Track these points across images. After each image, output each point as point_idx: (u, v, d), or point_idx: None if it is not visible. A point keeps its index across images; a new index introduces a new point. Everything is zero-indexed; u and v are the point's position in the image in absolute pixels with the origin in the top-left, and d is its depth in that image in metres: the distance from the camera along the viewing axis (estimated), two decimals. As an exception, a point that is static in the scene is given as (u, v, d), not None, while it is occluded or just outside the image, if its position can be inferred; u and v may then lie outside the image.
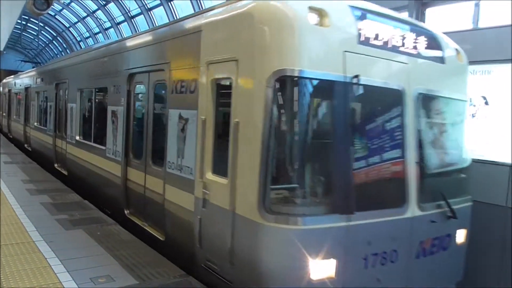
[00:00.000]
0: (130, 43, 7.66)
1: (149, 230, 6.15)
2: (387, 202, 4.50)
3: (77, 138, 9.79)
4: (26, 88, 17.06)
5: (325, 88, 4.13)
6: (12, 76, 24.67)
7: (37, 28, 40.10)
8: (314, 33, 3.97)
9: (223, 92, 4.65)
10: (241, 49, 4.25)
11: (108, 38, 34.55)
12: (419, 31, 4.82)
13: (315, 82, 4.05)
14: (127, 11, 30.03)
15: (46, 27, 45.95)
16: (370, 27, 4.33)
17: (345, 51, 4.09)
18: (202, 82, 4.81)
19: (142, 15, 28.41)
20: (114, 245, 5.75)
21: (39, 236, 5.94)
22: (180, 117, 5.28)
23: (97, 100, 9.15)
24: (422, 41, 4.80)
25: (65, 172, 10.71)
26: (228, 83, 4.44)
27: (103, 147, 7.95)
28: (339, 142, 4.16)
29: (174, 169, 5.37)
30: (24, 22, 36.43)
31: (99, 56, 8.86)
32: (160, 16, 26.28)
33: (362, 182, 4.30)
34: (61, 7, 38.20)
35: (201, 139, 4.77)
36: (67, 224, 6.61)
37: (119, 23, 32.63)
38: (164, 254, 5.49)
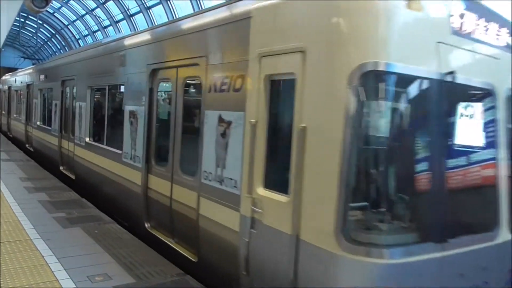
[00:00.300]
0: (153, 35, 6.76)
1: (176, 248, 5.37)
2: (479, 225, 3.86)
3: (87, 140, 8.93)
4: (28, 85, 16.01)
5: (417, 87, 3.42)
6: (12, 72, 23.74)
7: (35, 26, 40.01)
8: (405, 19, 3.22)
9: (280, 90, 3.98)
10: (310, 37, 3.47)
11: (107, 36, 34.47)
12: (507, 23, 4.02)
13: (406, 79, 3.33)
14: (126, 9, 30.01)
15: (44, 25, 45.87)
16: (465, 15, 3.57)
17: (438, 42, 3.39)
18: (251, 79, 4.06)
19: (141, 14, 28.39)
20: (111, 243, 5.75)
21: (36, 234, 5.93)
22: (221, 119, 4.51)
23: (111, 99, 8.30)
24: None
25: (72, 176, 9.89)
26: (287, 79, 3.71)
27: (118, 151, 7.12)
28: (434, 153, 3.42)
29: (212, 181, 4.59)
30: (22, 20, 36.35)
31: (113, 50, 7.87)
32: (159, 14, 26.28)
33: (455, 201, 3.60)
34: (60, 5, 38.11)
35: (250, 147, 4.00)
36: (65, 222, 6.60)
37: (118, 21, 32.59)
38: (195, 276, 4.85)
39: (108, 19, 33.52)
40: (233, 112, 4.32)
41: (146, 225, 6.11)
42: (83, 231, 6.19)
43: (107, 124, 8.23)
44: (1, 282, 4.33)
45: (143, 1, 27.09)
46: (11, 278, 4.46)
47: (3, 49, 16.78)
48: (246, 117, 4.10)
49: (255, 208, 3.90)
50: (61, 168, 10.77)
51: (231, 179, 4.31)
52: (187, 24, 5.66)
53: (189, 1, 22.55)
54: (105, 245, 5.65)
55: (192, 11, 21.14)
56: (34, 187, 9.06)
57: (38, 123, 13.75)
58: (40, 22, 41.70)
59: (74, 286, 4.35)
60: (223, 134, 4.47)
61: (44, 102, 13.57)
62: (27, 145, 15.42)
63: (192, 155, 5.08)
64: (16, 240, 5.63)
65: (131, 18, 30.10)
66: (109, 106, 8.30)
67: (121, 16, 31.27)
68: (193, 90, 5.61)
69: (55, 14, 41.69)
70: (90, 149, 8.74)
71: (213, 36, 4.94)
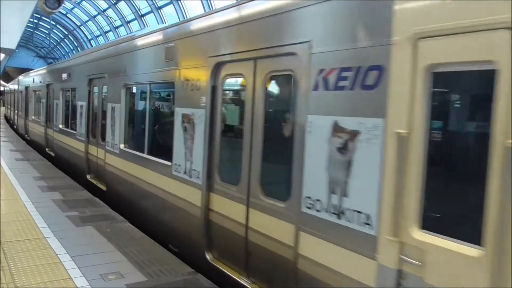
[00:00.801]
0: (215, 20, 5.23)
1: None
2: None
3: (122, 147, 7.80)
4: (48, 85, 14.90)
5: None
6: (30, 71, 22.47)
7: (48, 27, 40.54)
8: None
9: (452, 87, 2.97)
10: None
11: (119, 36, 34.76)
12: None
13: None
14: (137, 9, 30.23)
15: (57, 26, 46.44)
16: None
17: None
18: (397, 70, 2.89)
19: (152, 14, 28.60)
20: (123, 242, 5.81)
21: (50, 232, 6.02)
22: (338, 128, 3.38)
23: (155, 100, 7.15)
24: None
25: (102, 187, 8.79)
26: (473, 72, 2.62)
27: (166, 163, 6.00)
28: None
29: (322, 212, 3.49)
30: (36, 21, 36.85)
31: (158, 41, 6.56)
32: (170, 14, 26.43)
33: None
34: (72, 6, 38.57)
35: (397, 168, 2.87)
36: (78, 221, 6.69)
37: (129, 22, 32.86)
38: None
39: (119, 19, 33.81)
40: (363, 119, 3.15)
41: (207, 256, 5.05)
42: (96, 230, 6.27)
43: (150, 129, 6.97)
44: (16, 280, 4.41)
45: (154, 1, 27.27)
46: (26, 275, 4.53)
47: (17, 50, 16.89)
48: (388, 126, 2.94)
49: (406, 258, 2.83)
50: (88, 176, 9.73)
51: (360, 212, 3.17)
52: (274, 3, 4.21)
53: (199, 1, 22.62)
54: (117, 244, 5.71)
55: (203, 11, 21.19)
56: (48, 186, 9.19)
57: (61, 126, 12.77)
58: (53, 23, 42.25)
59: (87, 284, 4.41)
60: (343, 149, 3.33)
61: (67, 103, 12.63)
62: (47, 149, 14.64)
63: (280, 173, 4.26)
64: (30, 238, 5.72)
65: (142, 18, 30.31)
66: (151, 108, 7.06)
67: (132, 16, 31.52)
68: (284, 88, 4.50)
69: (68, 15, 42.21)
70: (126, 157, 7.58)
71: (321, 13, 3.61)
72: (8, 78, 57.58)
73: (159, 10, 27.62)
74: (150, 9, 28.38)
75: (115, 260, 5.15)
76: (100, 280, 4.54)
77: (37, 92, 17.28)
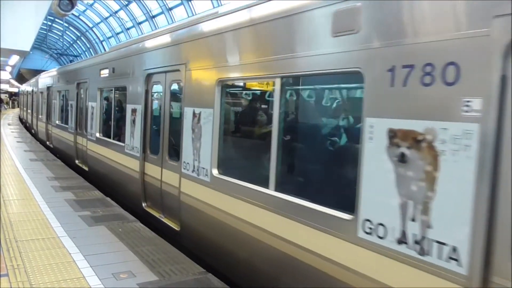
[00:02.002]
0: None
1: None
2: None
3: (215, 173, 5.15)
4: (78, 84, 12.49)
5: None
6: (52, 70, 19.36)
7: (62, 29, 41.08)
8: None
9: None
10: None
11: (130, 37, 35.08)
12: None
13: None
14: (148, 10, 30.46)
15: (70, 27, 47.02)
16: None
17: None
18: None
19: (163, 15, 28.79)
20: (135, 241, 5.87)
21: (63, 232, 6.11)
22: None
23: (283, 103, 4.31)
24: None
25: (175, 227, 6.21)
26: None
27: (316, 207, 3.63)
28: None
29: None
30: (49, 23, 37.36)
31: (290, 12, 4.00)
32: (180, 15, 26.59)
33: None
34: (85, 8, 39.04)
35: None
36: (90, 220, 6.78)
37: (140, 23, 33.13)
38: None
39: (131, 20, 34.12)
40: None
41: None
42: (108, 230, 6.35)
43: (280, 147, 4.24)
44: (31, 278, 4.49)
45: (165, 2, 27.46)
46: (40, 274, 4.61)
47: (31, 52, 17.08)
48: None
49: None
50: (144, 204, 7.34)
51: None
52: None
53: (210, 1, 22.72)
54: (129, 243, 5.77)
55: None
56: (60, 186, 9.32)
57: (98, 135, 10.19)
58: (66, 25, 42.79)
59: (100, 283, 4.47)
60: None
61: (108, 107, 10.11)
62: (77, 161, 12.25)
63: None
64: (44, 237, 5.82)
65: (153, 19, 30.55)
66: (281, 120, 4.27)
67: (144, 18, 31.78)
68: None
69: (80, 16, 42.73)
70: (220, 187, 5.04)
71: None
72: (22, 79, 58.52)
73: (169, 11, 27.80)
74: (161, 10, 28.59)
75: (127, 259, 5.21)
76: (112, 279, 4.60)
77: (63, 93, 14.78)
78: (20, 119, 33.32)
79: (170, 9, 27.59)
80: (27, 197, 8.07)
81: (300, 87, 4.87)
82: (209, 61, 5.46)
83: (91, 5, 37.69)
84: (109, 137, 9.53)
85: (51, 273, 4.65)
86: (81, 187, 9.40)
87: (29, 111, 26.06)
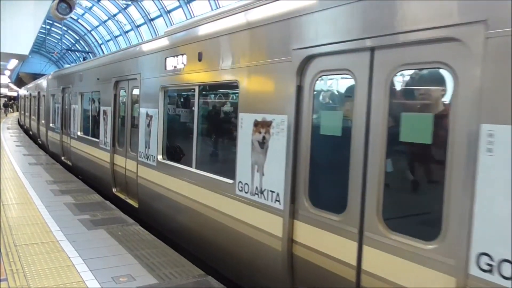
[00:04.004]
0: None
1: None
2: None
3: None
4: (117, 83, 8.96)
5: None
6: (70, 66, 16.18)
7: (60, 32, 41.15)
8: None
9: None
10: None
11: (130, 42, 35.17)
12: None
13: None
14: (146, 13, 30.50)
15: (69, 31, 47.08)
16: None
17: None
18: None
19: (161, 17, 28.83)
20: (134, 244, 5.86)
21: (62, 235, 6.10)
22: None
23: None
24: None
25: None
26: None
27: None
28: None
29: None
30: (48, 27, 37.41)
31: None
32: (179, 18, 26.63)
33: None
34: (83, 11, 39.09)
35: None
36: (89, 224, 6.77)
37: (139, 26, 33.16)
38: None
39: (129, 23, 34.16)
40: None
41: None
42: (107, 233, 6.34)
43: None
44: (30, 283, 4.48)
45: (163, 4, 27.51)
46: (40, 278, 4.60)
47: (30, 56, 17.02)
48: None
49: None
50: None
51: None
52: None
53: (207, 3, 22.76)
54: (128, 247, 5.76)
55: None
56: (60, 189, 9.31)
57: (162, 157, 6.81)
58: (65, 28, 42.85)
59: (99, 287, 4.46)
60: None
61: (175, 114, 7.10)
62: (115, 190, 8.99)
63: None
64: (43, 241, 5.81)
65: (151, 22, 30.58)
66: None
67: (142, 21, 31.82)
68: None
69: (79, 20, 42.79)
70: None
71: None
72: (21, 83, 58.53)
73: (168, 14, 27.84)
74: (159, 13, 28.63)
75: (127, 262, 5.20)
76: (112, 282, 4.59)
77: (89, 96, 11.58)
78: (20, 125, 33.09)
79: (169, 11, 27.63)
80: (26, 201, 8.06)
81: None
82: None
83: (90, 8, 37.75)
84: (171, 157, 6.82)
85: (50, 277, 4.64)
86: (80, 190, 9.39)
87: (33, 117, 22.89)
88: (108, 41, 41.01)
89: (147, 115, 7.41)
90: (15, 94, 62.94)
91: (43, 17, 13.85)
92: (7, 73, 25.43)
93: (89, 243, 5.85)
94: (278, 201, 4.14)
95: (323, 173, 4.06)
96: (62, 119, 14.54)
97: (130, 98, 8.49)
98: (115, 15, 35.53)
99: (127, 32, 35.68)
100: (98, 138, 9.90)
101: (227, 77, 5.12)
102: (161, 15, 28.55)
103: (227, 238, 5.05)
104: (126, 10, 33.15)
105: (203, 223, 5.57)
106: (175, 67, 6.33)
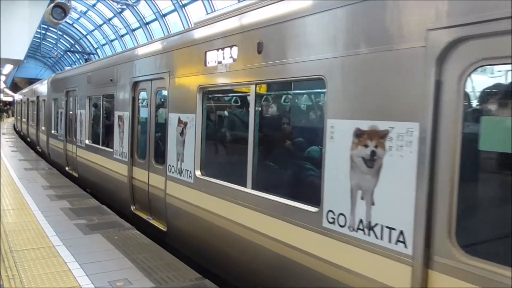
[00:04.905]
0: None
1: None
2: None
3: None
4: (136, 84, 7.68)
5: None
6: (73, 66, 15.13)
7: (55, 37, 41.07)
8: None
9: None
10: None
11: (125, 46, 35.16)
12: None
13: None
14: (142, 17, 30.51)
15: (64, 35, 47.03)
16: None
17: None
18: None
19: (157, 21, 28.85)
20: (131, 249, 5.86)
21: (59, 240, 6.09)
22: None
23: None
24: None
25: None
26: None
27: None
28: None
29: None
30: (43, 31, 37.34)
31: None
32: (174, 22, 26.65)
33: None
34: (78, 16, 39.06)
35: None
36: (86, 229, 6.75)
37: (134, 30, 33.17)
38: None
39: (125, 27, 34.16)
40: None
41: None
42: (103, 238, 6.33)
43: None
44: (26, 288, 4.47)
45: (158, 8, 27.54)
46: (36, 284, 4.59)
47: (25, 61, 16.93)
48: None
49: None
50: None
51: None
52: None
53: (203, 7, 22.80)
54: (125, 251, 5.76)
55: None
56: (56, 194, 9.29)
57: (200, 173, 5.62)
58: (60, 33, 42.79)
59: (96, 291, 4.46)
60: None
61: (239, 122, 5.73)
62: (133, 208, 7.77)
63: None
64: (40, 247, 5.79)
65: (147, 26, 30.59)
66: None
67: (137, 25, 31.82)
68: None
69: (74, 24, 42.74)
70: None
71: None
72: (16, 88, 58.32)
73: (163, 18, 27.86)
74: (155, 17, 28.64)
75: (123, 267, 5.20)
76: (109, 287, 4.59)
77: (97, 99, 10.36)
78: (17, 131, 32.81)
79: (164, 15, 27.64)
80: (22, 207, 8.03)
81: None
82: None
83: (85, 13, 37.71)
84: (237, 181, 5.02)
85: (46, 283, 4.63)
86: (76, 195, 9.36)
87: (31, 123, 21.83)
88: (103, 45, 40.96)
89: (180, 121, 6.04)
90: (10, 99, 62.71)
91: (38, 22, 13.85)
92: (2, 78, 25.31)
93: (85, 247, 5.84)
94: (403, 242, 2.94)
95: (481, 207, 3.00)
96: (67, 126, 12.96)
97: (154, 101, 7.19)
98: (110, 19, 35.50)
99: (122, 36, 35.66)
100: (112, 148, 8.63)
101: (306, 72, 3.88)
102: (156, 19, 28.56)
103: (303, 284, 3.86)
104: (121, 14, 33.15)
105: (266, 260, 4.33)
106: (219, 62, 5.16)
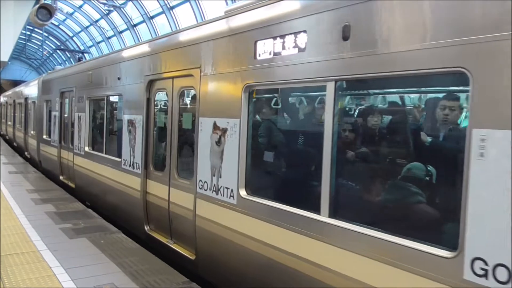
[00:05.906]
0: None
1: None
2: None
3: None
4: (152, 82, 6.66)
5: None
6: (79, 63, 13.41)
7: (41, 38, 40.56)
8: None
9: None
10: None
11: (112, 48, 34.90)
12: None
13: None
14: (129, 19, 30.32)
15: (50, 37, 46.48)
16: None
17: None
18: None
19: (144, 23, 28.71)
20: (117, 253, 5.80)
21: (43, 245, 6.00)
22: None
23: None
24: None
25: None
26: None
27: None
28: None
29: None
30: (28, 33, 36.88)
31: None
32: (162, 24, 26.56)
33: None
34: (65, 17, 38.64)
35: None
36: (71, 232, 6.67)
37: (121, 32, 32.94)
38: None
39: (112, 29, 33.91)
40: None
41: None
42: (89, 241, 6.26)
43: None
44: (10, 294, 4.39)
45: (146, 11, 27.42)
46: (19, 289, 4.52)
47: (9, 62, 16.69)
48: None
49: None
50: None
51: None
52: None
53: (191, 10, 22.76)
54: (111, 255, 5.70)
55: (195, 21, 21.29)
56: (41, 198, 9.16)
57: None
58: (46, 34, 42.26)
59: (81, 296, 4.41)
60: None
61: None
62: (147, 228, 6.70)
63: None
64: (24, 252, 5.70)
65: (134, 28, 30.41)
66: None
67: (125, 27, 31.62)
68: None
69: (60, 26, 42.28)
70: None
71: None
72: (0, 90, 57.34)
73: (151, 20, 27.74)
74: (142, 19, 28.50)
75: (110, 271, 5.15)
76: (94, 292, 4.54)
77: (100, 101, 9.24)
78: (1, 135, 32.15)
79: (152, 17, 27.52)
80: (6, 211, 7.89)
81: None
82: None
83: (71, 14, 37.32)
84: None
85: (31, 288, 4.56)
86: (62, 199, 9.25)
87: (18, 127, 20.49)
88: (90, 47, 40.60)
89: (216, 127, 4.94)
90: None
91: (23, 23, 13.68)
92: (-14, 80, 24.82)
93: (71, 252, 5.77)
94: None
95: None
96: (61, 131, 11.46)
97: (176, 102, 6.00)
98: (97, 20, 35.20)
99: (109, 38, 35.38)
100: (120, 157, 7.36)
101: (432, 64, 2.80)
102: (144, 21, 28.41)
103: None
104: (108, 16, 32.89)
105: None
106: (277, 54, 4.06)
